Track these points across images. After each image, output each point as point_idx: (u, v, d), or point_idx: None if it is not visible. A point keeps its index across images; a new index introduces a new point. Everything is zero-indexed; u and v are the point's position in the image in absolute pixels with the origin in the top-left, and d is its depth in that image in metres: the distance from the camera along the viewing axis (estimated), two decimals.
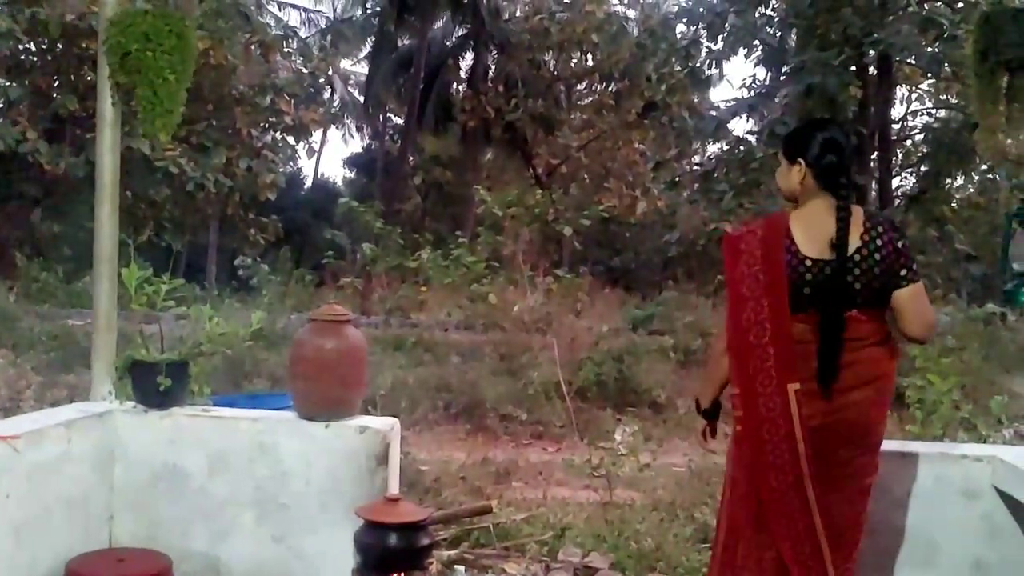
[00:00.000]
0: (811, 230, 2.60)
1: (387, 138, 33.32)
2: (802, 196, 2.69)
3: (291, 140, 19.87)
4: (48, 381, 8.38)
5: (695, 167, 18.69)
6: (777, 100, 14.29)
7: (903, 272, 2.60)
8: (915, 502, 2.88)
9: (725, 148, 15.66)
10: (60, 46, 15.51)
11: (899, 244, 2.61)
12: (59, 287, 19.29)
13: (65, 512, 3.01)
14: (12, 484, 2.74)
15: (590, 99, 26.67)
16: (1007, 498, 2.80)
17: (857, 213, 2.62)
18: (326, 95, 30.88)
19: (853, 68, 12.66)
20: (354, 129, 36.32)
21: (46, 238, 23.27)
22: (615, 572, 4.47)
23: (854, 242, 2.58)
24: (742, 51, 14.69)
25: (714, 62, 14.77)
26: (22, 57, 16.13)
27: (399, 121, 31.13)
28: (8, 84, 15.77)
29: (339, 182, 39.37)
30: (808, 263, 2.57)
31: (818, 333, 2.56)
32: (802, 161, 2.67)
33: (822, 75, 11.89)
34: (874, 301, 2.60)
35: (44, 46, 16.07)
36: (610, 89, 25.28)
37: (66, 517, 3.02)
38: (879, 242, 2.59)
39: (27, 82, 15.93)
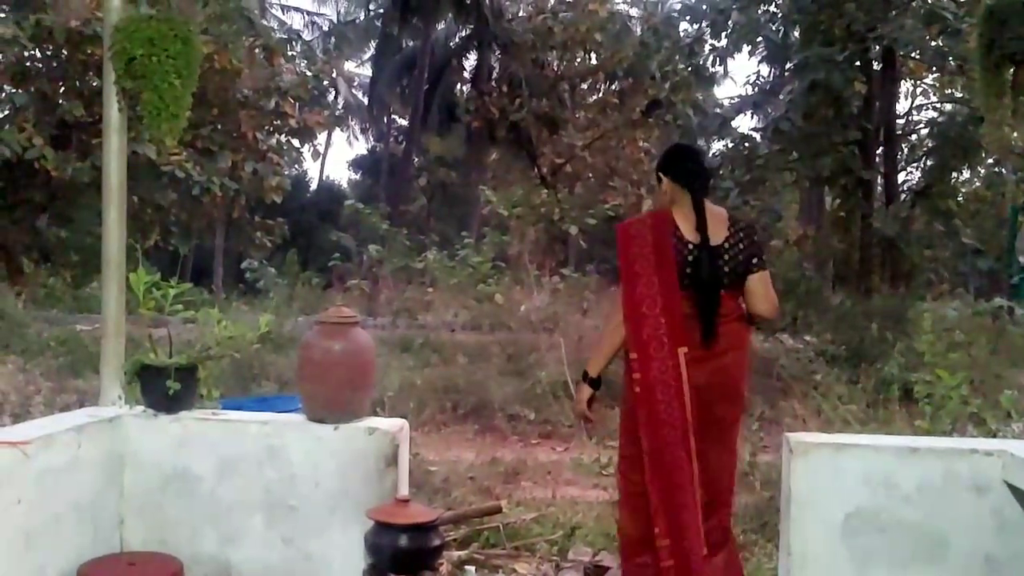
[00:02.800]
0: (686, 222, 3.23)
1: (392, 139, 33.38)
2: (675, 201, 3.30)
3: (296, 143, 19.87)
4: (57, 386, 8.40)
5: None
6: (781, 96, 14.28)
7: (755, 261, 3.25)
8: (924, 497, 2.87)
9: (729, 145, 15.63)
10: (65, 52, 15.52)
11: (754, 239, 3.30)
12: (67, 292, 19.39)
13: (75, 517, 3.02)
14: (22, 490, 2.75)
15: (594, 98, 26.64)
16: (1017, 492, 2.79)
17: (722, 213, 3.31)
18: (330, 98, 30.92)
19: (857, 63, 12.61)
20: (359, 131, 36.44)
21: (53, 244, 23.34)
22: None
23: (722, 234, 3.23)
24: (746, 48, 14.65)
25: (718, 59, 14.70)
26: (27, 64, 16.14)
27: (403, 122, 31.20)
28: (14, 91, 15.79)
29: (344, 184, 39.48)
30: (691, 246, 3.18)
31: (697, 307, 3.15)
32: (664, 176, 3.35)
33: (826, 71, 11.84)
34: (736, 284, 3.24)
35: (49, 52, 16.09)
36: (614, 88, 25.24)
37: (76, 522, 3.03)
38: (740, 235, 3.26)
39: (33, 88, 15.96)
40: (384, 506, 3.01)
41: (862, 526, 2.88)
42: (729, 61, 15.38)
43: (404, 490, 3.25)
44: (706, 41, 14.19)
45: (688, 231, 3.20)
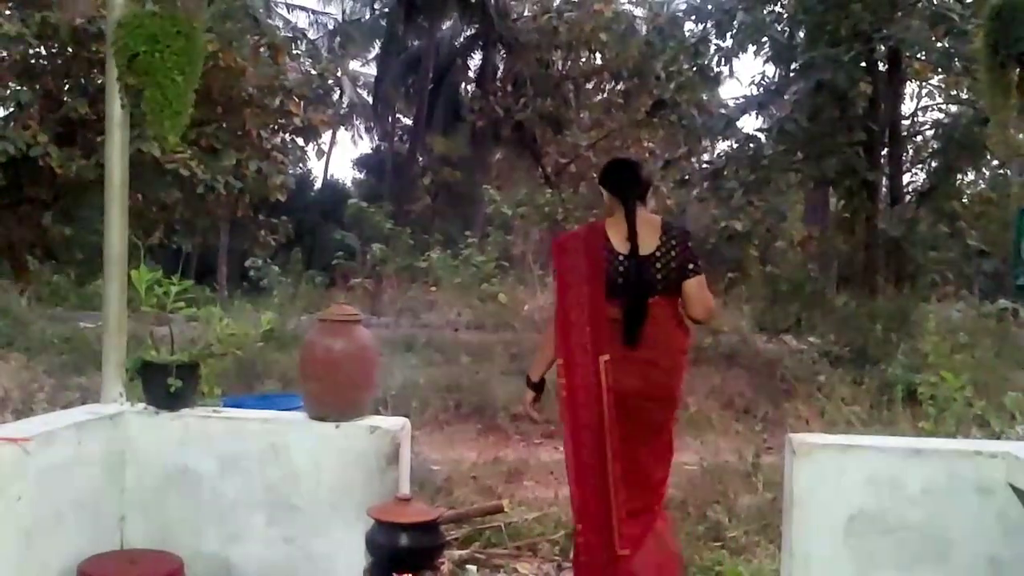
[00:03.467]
0: (618, 234, 3.38)
1: (396, 139, 33.37)
2: (612, 212, 3.46)
3: (300, 141, 19.86)
4: (60, 383, 8.41)
5: (704, 165, 18.61)
6: (787, 97, 14.22)
7: (690, 267, 3.38)
8: (928, 499, 2.85)
9: (734, 146, 15.60)
10: (70, 50, 15.55)
11: (688, 245, 3.42)
12: (71, 290, 19.41)
13: (76, 514, 3.01)
14: (23, 487, 2.74)
15: (599, 98, 26.61)
16: (1022, 495, 2.77)
17: (655, 221, 3.44)
18: (335, 96, 30.95)
19: (863, 64, 12.58)
20: (363, 130, 36.41)
21: (57, 241, 23.35)
22: None
23: (653, 243, 3.37)
24: (751, 48, 14.61)
25: (723, 59, 14.65)
26: (32, 61, 16.17)
27: (408, 122, 31.19)
28: (19, 88, 15.81)
29: (349, 183, 39.45)
30: (620, 258, 3.34)
31: (627, 312, 3.30)
32: (603, 188, 3.54)
33: (832, 71, 11.81)
34: (670, 290, 3.38)
35: (54, 50, 16.11)
36: (619, 88, 25.22)
37: (77, 519, 3.02)
38: (673, 242, 3.38)
39: (37, 86, 15.97)
40: (385, 505, 3.00)
41: (865, 528, 2.86)
42: (734, 61, 15.30)
43: (405, 489, 3.24)
44: (711, 41, 14.16)
45: (619, 242, 3.37)
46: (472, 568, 4.21)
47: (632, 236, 3.33)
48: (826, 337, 11.57)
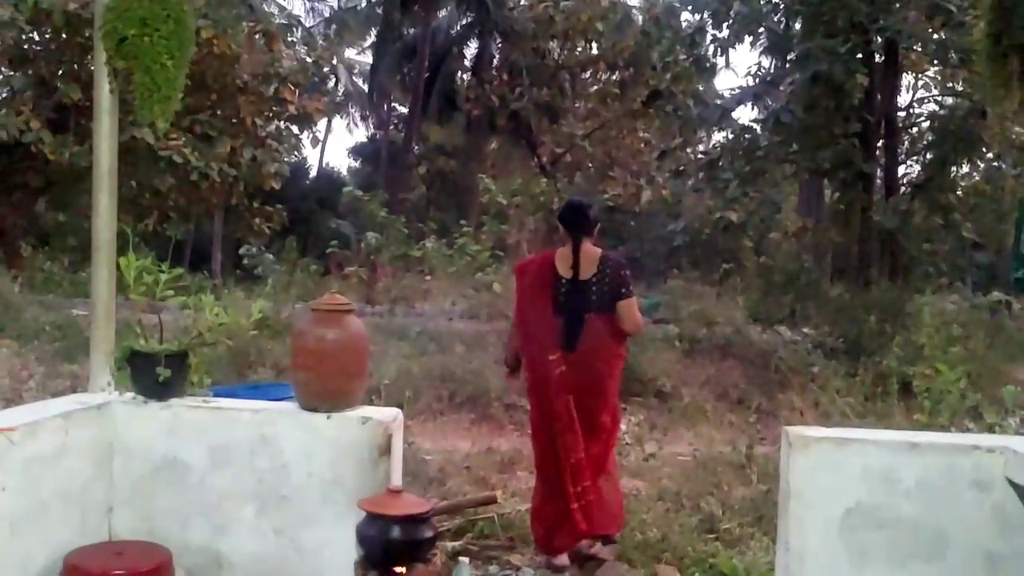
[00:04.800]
0: (563, 263, 4.29)
1: (391, 127, 33.28)
2: (564, 242, 4.32)
3: (295, 129, 19.79)
4: (51, 371, 8.36)
5: (700, 156, 18.58)
6: (783, 88, 14.20)
7: (622, 291, 4.23)
8: (924, 493, 2.82)
9: (730, 136, 15.56)
10: (63, 35, 15.44)
11: (621, 273, 4.27)
12: (64, 277, 19.32)
13: (63, 505, 2.97)
14: (8, 477, 2.70)
15: (595, 88, 26.54)
16: (1019, 490, 2.74)
17: (596, 254, 4.28)
18: (330, 84, 30.82)
19: (859, 55, 12.55)
20: (358, 118, 36.31)
21: (51, 228, 23.28)
22: (621, 563, 4.44)
23: (592, 270, 4.24)
24: (747, 39, 14.58)
25: (719, 50, 14.61)
26: (25, 47, 16.07)
27: (403, 110, 31.11)
28: (11, 73, 15.73)
29: (344, 172, 39.34)
30: (563, 281, 4.25)
31: (566, 324, 4.19)
32: (559, 223, 4.43)
33: (828, 62, 11.79)
34: (605, 308, 4.22)
35: (47, 35, 16.01)
36: (615, 78, 25.16)
37: (64, 510, 2.98)
38: (608, 271, 4.24)
39: (30, 72, 15.88)
40: (376, 497, 2.96)
41: (861, 522, 2.84)
42: (730, 52, 15.25)
43: (397, 480, 3.21)
44: (707, 31, 14.11)
45: (564, 269, 4.26)
46: (465, 560, 4.16)
47: (575, 265, 4.23)
48: (820, 328, 11.57)
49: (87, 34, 14.31)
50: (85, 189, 16.09)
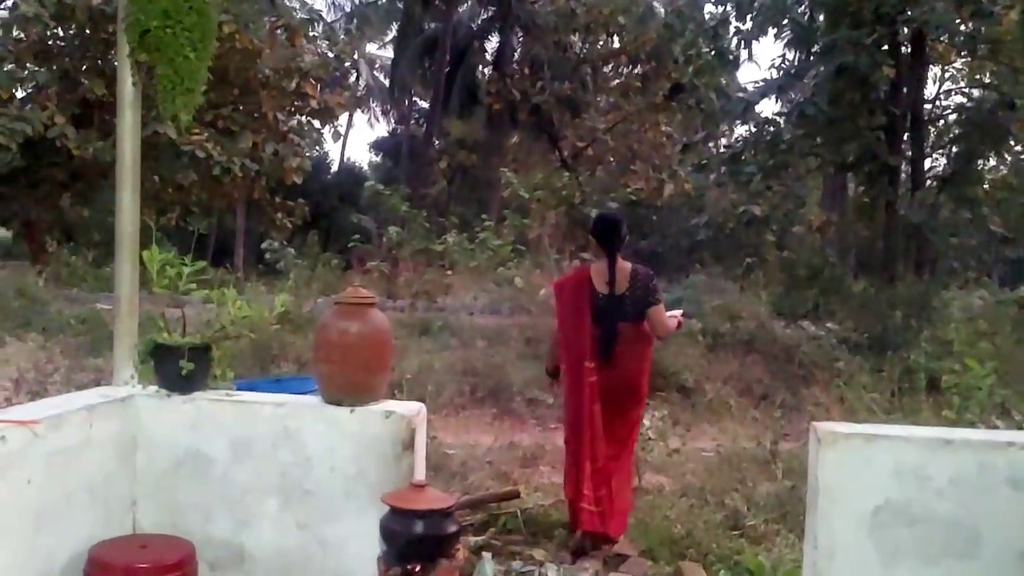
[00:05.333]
0: (599, 278, 4.63)
1: (413, 122, 33.29)
2: (597, 256, 4.75)
3: (317, 124, 19.82)
4: (76, 364, 8.42)
5: (723, 149, 18.44)
6: (807, 81, 14.04)
7: (651, 300, 4.58)
8: (957, 491, 2.77)
9: (753, 130, 15.42)
10: (87, 31, 15.53)
11: (650, 284, 4.61)
12: (88, 271, 19.48)
13: (87, 498, 2.97)
14: (33, 470, 2.70)
15: (617, 81, 26.45)
16: None
17: (626, 267, 4.62)
18: (352, 79, 30.85)
19: (885, 47, 12.39)
20: (380, 113, 36.37)
21: (75, 223, 23.45)
22: (644, 559, 4.40)
23: (625, 284, 4.59)
24: (771, 31, 14.42)
25: (742, 42, 14.46)
26: (50, 42, 16.18)
27: (425, 105, 31.09)
28: (36, 69, 15.81)
29: (365, 166, 39.41)
30: (600, 295, 4.59)
31: (603, 335, 4.54)
32: (593, 238, 4.78)
33: (854, 54, 11.64)
34: (637, 317, 4.59)
35: (71, 31, 16.11)
36: (637, 71, 25.06)
37: (88, 503, 2.98)
38: (638, 284, 4.59)
39: (54, 67, 15.97)
40: (399, 491, 2.94)
41: (892, 519, 2.79)
42: (753, 44, 15.11)
43: (420, 475, 3.19)
44: (731, 24, 13.98)
45: (600, 284, 4.61)
46: (488, 555, 4.14)
47: (611, 281, 4.57)
48: (844, 324, 11.46)
49: (110, 29, 14.39)
50: (109, 184, 16.18)
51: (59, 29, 15.99)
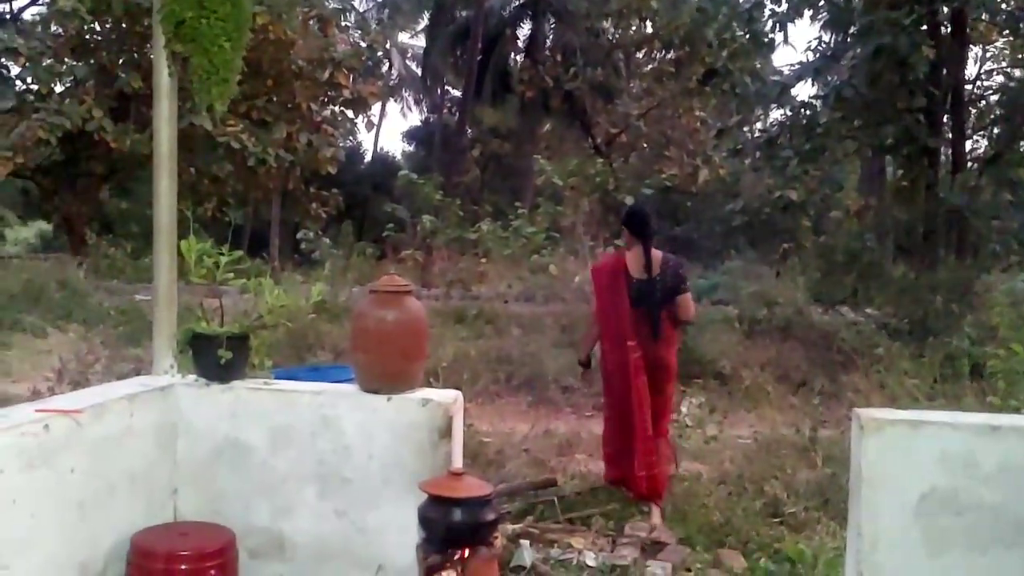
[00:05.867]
0: (634, 263, 4.98)
1: (445, 111, 33.28)
2: (631, 246, 5.05)
3: (350, 114, 19.87)
4: (116, 355, 8.52)
5: (758, 134, 18.23)
6: (843, 63, 13.82)
7: (681, 287, 5.01)
8: (1005, 478, 2.72)
9: (788, 114, 15.22)
10: (123, 25, 15.69)
11: (679, 272, 5.03)
12: (127, 263, 19.72)
13: (128, 486, 3.00)
14: (76, 459, 2.73)
15: (650, 67, 26.20)
16: None
17: (658, 255, 5.00)
18: (384, 68, 30.91)
19: (925, 27, 12.16)
20: (412, 102, 36.38)
21: (114, 215, 23.77)
22: (683, 547, 4.37)
23: (657, 270, 4.94)
24: (807, 12, 14.20)
25: (777, 25, 14.26)
26: (87, 36, 16.36)
27: (457, 93, 31.06)
28: (74, 64, 16.01)
29: (398, 156, 39.46)
30: (635, 280, 4.95)
31: (642, 317, 4.92)
32: (627, 229, 5.11)
33: (892, 35, 11.43)
34: (668, 302, 4.98)
35: (108, 25, 16.28)
36: (670, 56, 24.79)
37: (130, 491, 3.01)
38: (669, 271, 4.98)
39: (92, 61, 16.17)
40: (438, 479, 2.94)
41: (937, 507, 2.74)
42: (789, 27, 14.86)
43: (458, 463, 3.18)
44: (765, 6, 13.78)
45: (636, 270, 4.97)
46: (525, 543, 4.15)
47: (648, 267, 4.93)
48: (884, 309, 11.30)
49: (146, 23, 14.52)
50: (146, 177, 16.30)
51: (96, 24, 16.16)
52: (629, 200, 13.96)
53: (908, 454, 2.76)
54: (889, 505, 2.78)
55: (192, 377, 3.34)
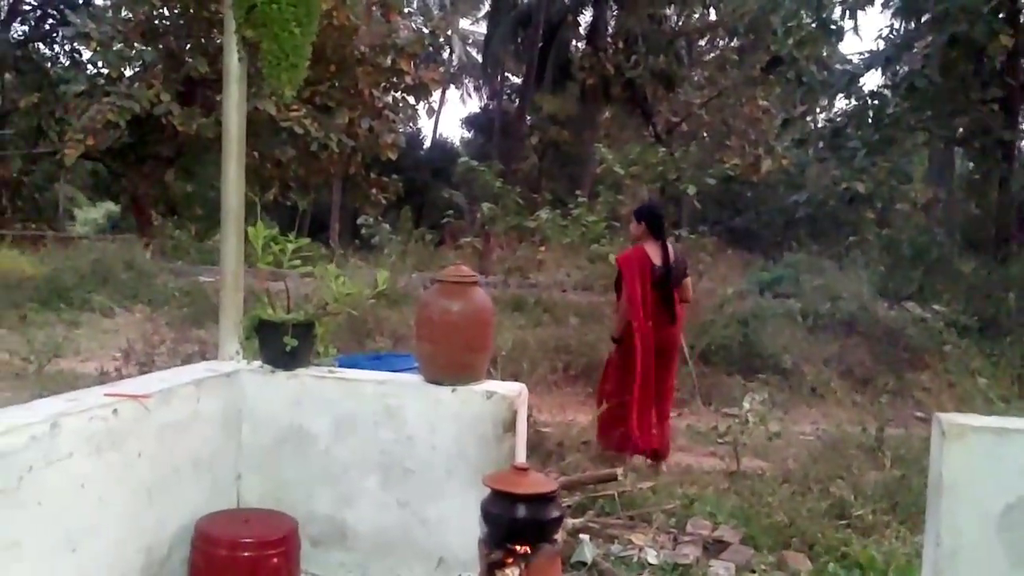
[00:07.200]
0: (654, 254, 5.82)
1: (505, 97, 33.22)
2: (644, 238, 5.92)
3: (411, 100, 19.90)
4: (180, 336, 8.64)
5: (824, 124, 17.85)
6: (915, 51, 13.46)
7: (688, 272, 6.09)
8: None
9: (854, 103, 14.86)
10: (191, 10, 15.88)
11: (686, 260, 6.19)
12: (192, 245, 20.07)
13: (193, 471, 3.02)
14: (143, 443, 2.74)
15: (712, 55, 25.87)
16: None
17: (671, 247, 5.93)
18: (445, 55, 30.93)
19: (1003, 15, 11.77)
20: (472, 89, 36.45)
21: (179, 197, 24.16)
22: (746, 547, 4.28)
23: (670, 260, 5.83)
24: (878, 0, 13.87)
25: (847, 12, 13.92)
26: (156, 22, 16.60)
27: (517, 80, 30.99)
28: (143, 48, 16.27)
29: (457, 142, 39.54)
30: (656, 267, 5.79)
31: (662, 299, 5.82)
32: (640, 222, 5.98)
33: (968, 23, 11.08)
34: (676, 285, 5.88)
35: (176, 10, 16.50)
36: (733, 44, 24.42)
37: (195, 476, 3.02)
38: (678, 260, 5.93)
39: (160, 45, 16.40)
40: (501, 473, 2.89)
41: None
42: (859, 14, 14.48)
43: (521, 457, 3.14)
44: None
45: (656, 258, 5.83)
46: (586, 538, 4.09)
47: (665, 257, 5.83)
48: (952, 306, 10.99)
49: (214, 8, 14.70)
50: (211, 160, 16.60)
51: (164, 9, 16.39)
52: (692, 190, 13.78)
53: (993, 463, 2.64)
54: (971, 515, 2.66)
55: (257, 363, 3.34)
